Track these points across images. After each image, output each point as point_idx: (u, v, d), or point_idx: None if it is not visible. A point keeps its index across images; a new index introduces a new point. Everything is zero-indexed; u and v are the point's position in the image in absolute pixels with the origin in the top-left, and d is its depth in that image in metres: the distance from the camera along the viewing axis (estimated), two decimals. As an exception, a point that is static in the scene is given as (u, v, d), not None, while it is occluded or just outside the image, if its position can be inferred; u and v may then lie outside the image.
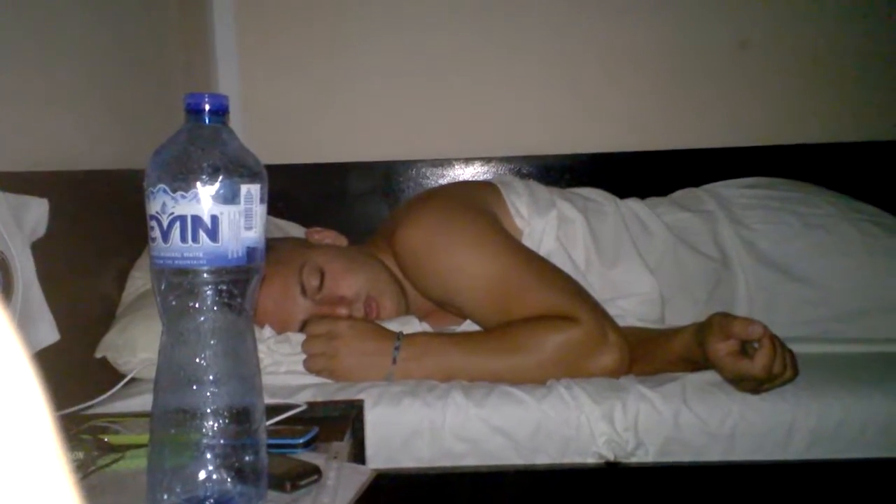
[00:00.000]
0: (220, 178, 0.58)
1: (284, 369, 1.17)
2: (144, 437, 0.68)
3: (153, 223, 0.59)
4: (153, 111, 1.53)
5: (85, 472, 0.70)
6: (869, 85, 1.89)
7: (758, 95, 1.90)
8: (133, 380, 1.08)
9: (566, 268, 1.24)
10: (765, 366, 0.97)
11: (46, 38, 1.12)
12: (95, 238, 1.21)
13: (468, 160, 1.87)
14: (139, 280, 1.30)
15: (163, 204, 0.58)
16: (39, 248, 0.95)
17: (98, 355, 1.15)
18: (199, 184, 0.57)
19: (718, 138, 1.87)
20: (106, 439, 0.78)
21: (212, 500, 0.59)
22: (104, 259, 1.26)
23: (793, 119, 1.90)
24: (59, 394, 0.26)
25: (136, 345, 1.13)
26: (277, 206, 1.55)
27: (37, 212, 0.95)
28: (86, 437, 0.77)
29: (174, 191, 0.57)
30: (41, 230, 0.96)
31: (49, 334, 0.94)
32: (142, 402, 1.02)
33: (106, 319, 1.21)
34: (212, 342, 0.60)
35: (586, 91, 1.91)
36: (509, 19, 1.89)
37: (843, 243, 1.37)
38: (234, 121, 1.57)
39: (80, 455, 0.72)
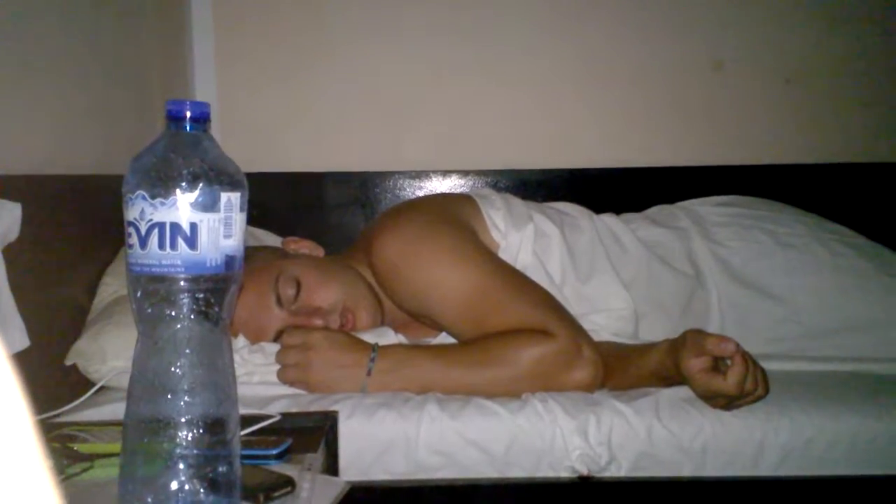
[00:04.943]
0: (200, 185, 0.57)
1: (258, 379, 1.16)
2: (114, 446, 0.67)
3: (131, 230, 0.58)
4: (129, 118, 1.52)
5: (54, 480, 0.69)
6: (841, 106, 1.92)
7: (732, 115, 1.93)
8: (103, 388, 1.06)
9: (542, 282, 1.24)
10: (737, 383, 0.98)
11: (22, 43, 1.11)
12: (68, 243, 1.19)
13: (445, 173, 1.88)
14: (111, 287, 1.28)
15: (141, 210, 0.57)
16: (11, 253, 0.93)
17: (68, 362, 1.13)
18: (178, 191, 0.57)
19: (693, 157, 1.89)
20: (75, 448, 0.76)
21: (184, 511, 0.58)
22: (76, 265, 1.25)
23: (766, 139, 1.93)
24: (28, 401, 0.26)
25: (107, 352, 1.11)
26: (253, 214, 1.53)
27: (9, 216, 0.93)
28: (55, 445, 0.76)
29: (153, 197, 0.57)
30: (13, 235, 0.94)
31: (19, 340, 0.93)
32: (112, 410, 1.00)
33: (77, 326, 1.20)
34: (187, 351, 0.59)
35: (564, 107, 1.92)
36: (488, 34, 1.90)
37: (814, 262, 1.39)
38: (211, 129, 1.56)
39: (49, 463, 0.70)
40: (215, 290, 0.59)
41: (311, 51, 1.90)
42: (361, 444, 1.02)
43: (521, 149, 1.91)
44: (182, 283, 0.58)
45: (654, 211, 1.54)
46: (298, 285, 1.21)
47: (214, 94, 1.87)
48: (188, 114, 0.59)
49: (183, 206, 0.57)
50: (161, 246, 0.57)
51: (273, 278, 1.20)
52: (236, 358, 1.14)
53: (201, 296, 0.59)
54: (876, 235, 1.51)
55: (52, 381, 1.09)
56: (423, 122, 1.92)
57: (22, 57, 1.11)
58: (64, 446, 0.76)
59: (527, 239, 1.32)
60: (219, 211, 0.58)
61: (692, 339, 1.03)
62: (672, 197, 1.57)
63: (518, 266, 1.27)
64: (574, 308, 1.24)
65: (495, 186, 1.84)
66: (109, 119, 1.44)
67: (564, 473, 1.03)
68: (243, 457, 0.63)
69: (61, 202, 1.16)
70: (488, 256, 1.24)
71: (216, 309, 0.60)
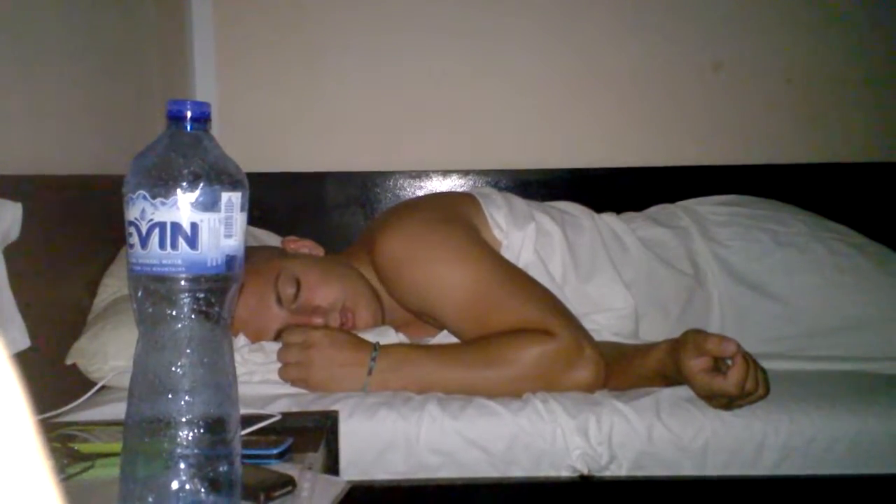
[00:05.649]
0: (201, 185, 0.57)
1: (258, 379, 1.16)
2: (115, 446, 0.67)
3: (131, 229, 0.58)
4: (129, 118, 1.52)
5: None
6: (839, 107, 1.93)
7: (732, 116, 1.93)
8: (104, 387, 1.06)
9: (543, 281, 1.24)
10: (737, 383, 0.98)
11: (23, 42, 1.11)
12: (68, 243, 1.19)
13: (446, 172, 1.88)
14: (112, 287, 1.28)
15: (142, 210, 0.57)
16: (11, 253, 0.93)
17: (69, 362, 1.13)
18: (179, 191, 0.57)
19: (693, 157, 1.89)
20: (76, 447, 0.76)
21: (185, 511, 0.58)
22: (77, 265, 1.25)
23: (765, 139, 1.93)
24: (29, 401, 0.26)
25: (108, 352, 1.11)
26: (253, 214, 1.53)
27: (10, 216, 0.93)
28: (55, 445, 0.76)
29: (154, 197, 0.57)
30: (14, 234, 0.94)
31: (20, 340, 0.93)
32: (112, 410, 1.00)
33: (77, 326, 1.20)
34: (188, 350, 0.59)
35: (564, 107, 1.92)
36: (488, 35, 1.90)
37: (814, 261, 1.39)
38: (211, 128, 1.56)
39: (50, 463, 0.70)
40: (216, 289, 0.59)
41: (312, 50, 1.90)
42: (362, 443, 1.02)
43: (521, 148, 1.91)
44: (183, 282, 0.58)
45: (654, 210, 1.54)
46: (298, 284, 1.21)
47: (215, 94, 1.87)
48: (189, 113, 0.59)
49: (184, 205, 0.57)
50: (162, 246, 0.57)
51: (273, 277, 1.20)
52: (237, 357, 1.13)
53: (202, 295, 0.59)
54: (876, 235, 1.51)
55: (52, 381, 1.09)
56: (423, 122, 1.92)
57: (22, 57, 1.11)
58: (64, 446, 0.76)
59: (528, 238, 1.32)
60: (219, 211, 0.58)
61: (693, 339, 1.03)
62: (672, 197, 1.57)
63: (520, 265, 1.27)
64: (575, 307, 1.24)
65: (496, 186, 1.84)
66: (110, 119, 1.44)
67: (565, 473, 1.03)
68: (244, 456, 0.63)
69: (62, 202, 1.16)
70: (490, 255, 1.24)
71: (217, 308, 0.60)
